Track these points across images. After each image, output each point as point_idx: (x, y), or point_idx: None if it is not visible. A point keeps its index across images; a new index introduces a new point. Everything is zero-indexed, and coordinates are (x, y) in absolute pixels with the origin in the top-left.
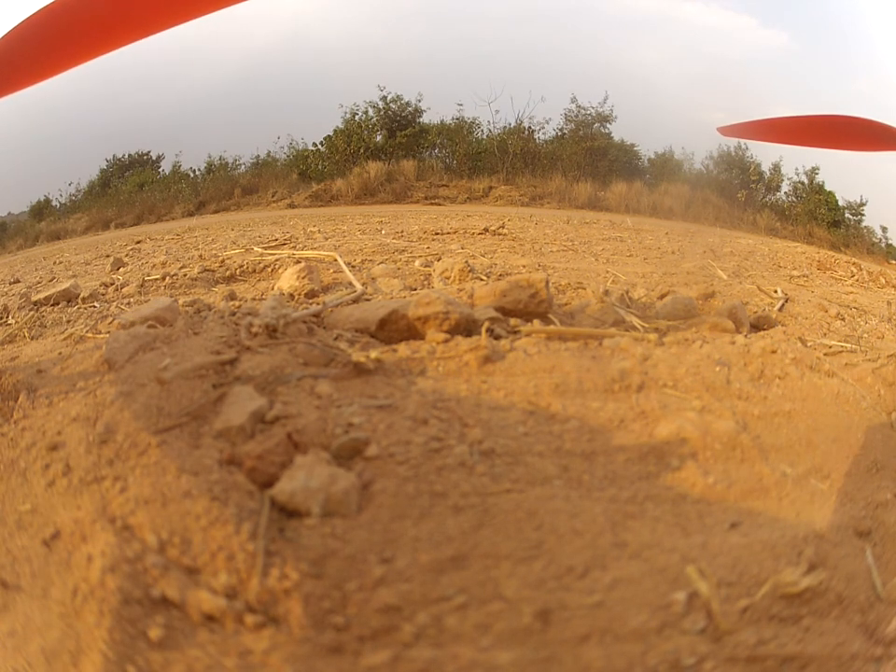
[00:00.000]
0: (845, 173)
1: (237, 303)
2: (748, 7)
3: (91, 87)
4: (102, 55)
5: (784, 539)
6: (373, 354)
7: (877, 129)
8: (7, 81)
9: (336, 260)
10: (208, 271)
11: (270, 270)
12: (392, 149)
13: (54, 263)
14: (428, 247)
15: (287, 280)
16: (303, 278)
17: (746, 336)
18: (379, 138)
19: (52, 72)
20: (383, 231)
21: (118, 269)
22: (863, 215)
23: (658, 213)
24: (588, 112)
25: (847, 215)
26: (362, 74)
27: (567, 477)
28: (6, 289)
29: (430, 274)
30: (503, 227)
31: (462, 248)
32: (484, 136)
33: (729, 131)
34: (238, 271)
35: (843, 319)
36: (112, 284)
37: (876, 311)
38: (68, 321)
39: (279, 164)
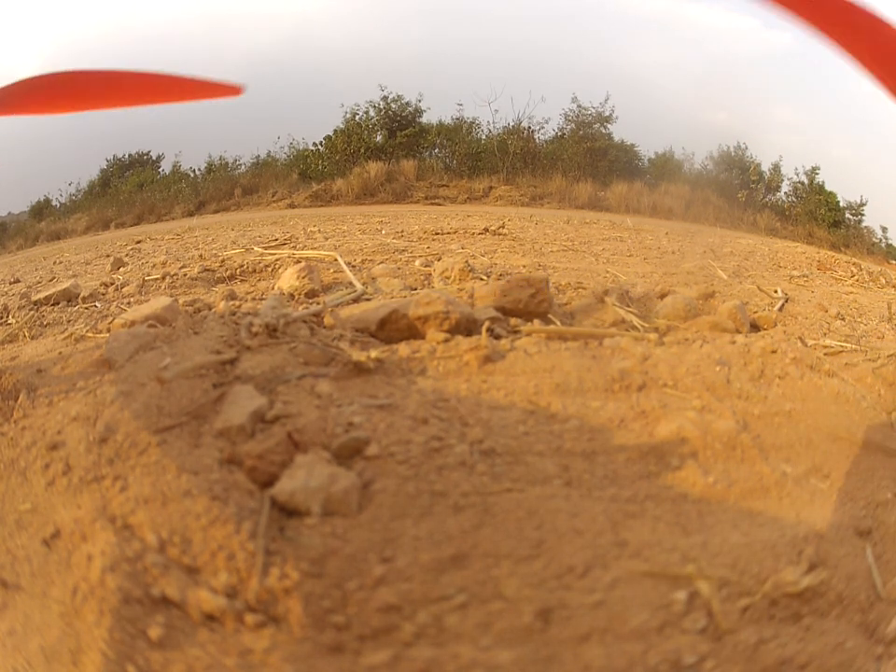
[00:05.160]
0: (845, 173)
1: (237, 303)
2: (751, 9)
3: None
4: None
5: (784, 539)
6: (374, 353)
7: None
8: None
9: (336, 260)
10: (208, 270)
11: (270, 269)
12: (392, 149)
13: (54, 263)
14: (429, 247)
15: (288, 280)
16: (304, 278)
17: (746, 336)
18: (379, 138)
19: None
20: (383, 231)
21: (118, 269)
22: (863, 215)
23: (658, 213)
24: (588, 112)
25: (847, 215)
26: (363, 74)
27: (567, 476)
28: (6, 289)
29: (430, 274)
30: (503, 227)
31: (462, 248)
32: (484, 136)
33: None
34: (238, 270)
35: (843, 319)
36: (112, 283)
37: (876, 311)
38: (68, 321)
39: (279, 164)
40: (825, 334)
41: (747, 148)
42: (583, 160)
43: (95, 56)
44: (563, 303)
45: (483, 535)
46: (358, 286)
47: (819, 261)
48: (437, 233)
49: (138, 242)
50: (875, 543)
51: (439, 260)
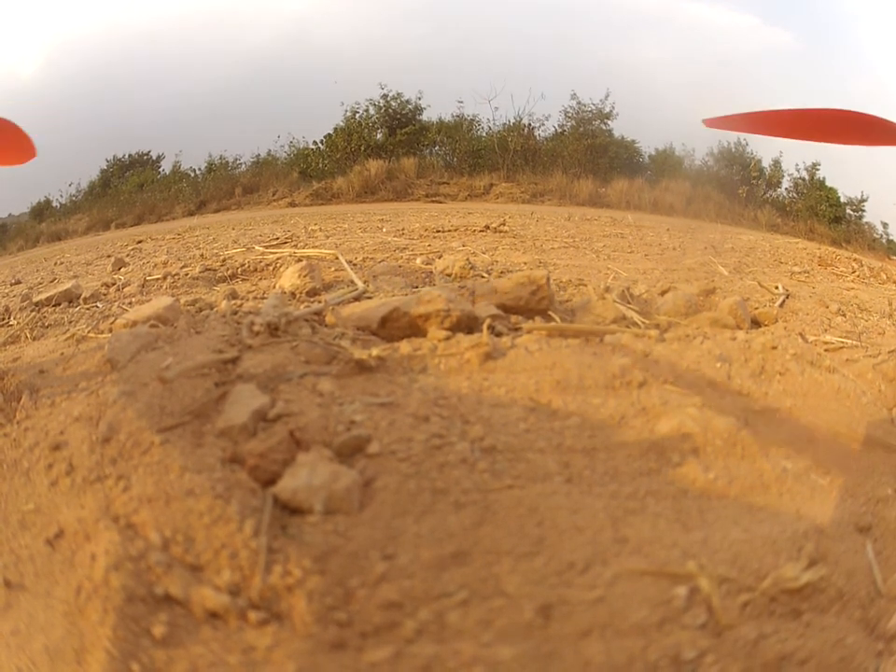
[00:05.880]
0: (846, 169)
1: (239, 302)
2: (751, 6)
3: (92, 87)
4: None
5: (785, 535)
6: (375, 351)
7: (875, 124)
8: None
9: (337, 258)
10: (209, 270)
11: (271, 268)
12: (392, 147)
13: (55, 264)
14: (430, 245)
15: (289, 278)
16: (305, 276)
17: (746, 332)
18: (379, 136)
19: None
20: (384, 229)
21: (119, 269)
22: (864, 211)
23: (659, 209)
24: (589, 109)
25: (847, 211)
26: (363, 72)
27: (568, 473)
28: (7, 290)
29: (432, 272)
30: (504, 224)
31: (463, 246)
32: (485, 134)
33: (715, 123)
34: (239, 270)
35: (843, 315)
36: (113, 284)
37: (877, 307)
38: (70, 321)
39: (280, 163)
40: (826, 330)
41: (747, 144)
42: (584, 156)
43: (95, 55)
44: (564, 300)
45: (484, 532)
46: (360, 284)
47: (819, 257)
48: (438, 231)
49: (139, 242)
50: (875, 539)
51: (440, 258)
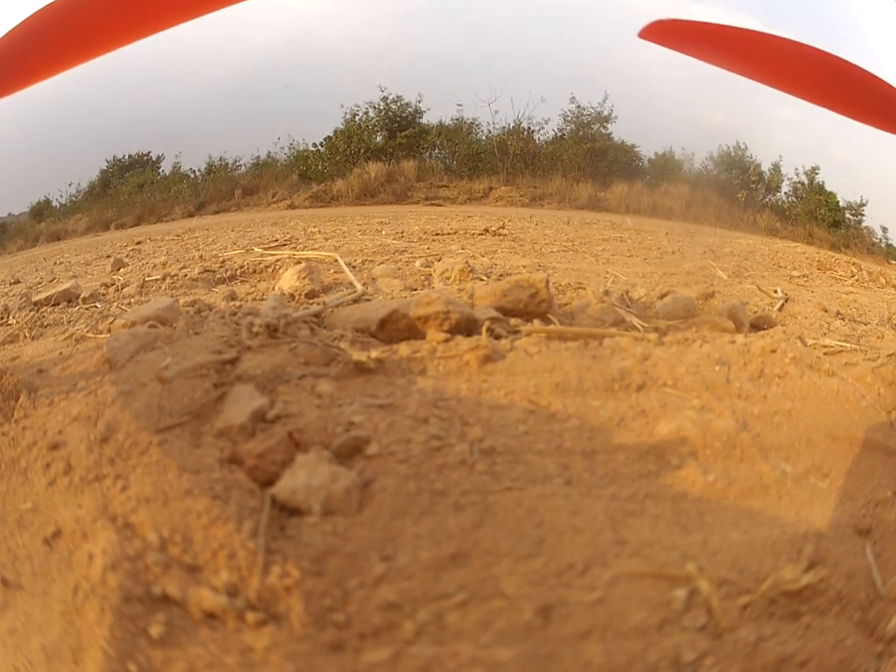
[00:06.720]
0: (845, 173)
1: (238, 303)
2: (749, 8)
3: (91, 87)
4: (107, 52)
5: (784, 537)
6: (374, 353)
7: (875, 87)
8: (8, 81)
9: (336, 261)
10: (209, 271)
11: (270, 270)
12: (392, 150)
13: (54, 264)
14: (429, 248)
15: (288, 280)
16: (304, 278)
17: (745, 336)
18: (379, 139)
19: (55, 70)
20: (383, 232)
21: (118, 269)
22: (864, 215)
23: (658, 213)
24: (588, 113)
25: (847, 215)
26: (363, 75)
27: (567, 475)
28: (6, 290)
29: (431, 275)
30: (503, 227)
31: (462, 249)
32: (484, 137)
33: (652, 33)
34: (239, 271)
35: (843, 319)
36: (112, 284)
37: (876, 311)
38: (69, 321)
39: (279, 165)
40: (825, 334)
41: (747, 148)
42: (583, 160)
43: None
44: (563, 303)
45: (484, 533)
46: (359, 286)
47: (818, 261)
48: (437, 234)
49: (138, 243)
50: (874, 541)
51: (439, 261)
